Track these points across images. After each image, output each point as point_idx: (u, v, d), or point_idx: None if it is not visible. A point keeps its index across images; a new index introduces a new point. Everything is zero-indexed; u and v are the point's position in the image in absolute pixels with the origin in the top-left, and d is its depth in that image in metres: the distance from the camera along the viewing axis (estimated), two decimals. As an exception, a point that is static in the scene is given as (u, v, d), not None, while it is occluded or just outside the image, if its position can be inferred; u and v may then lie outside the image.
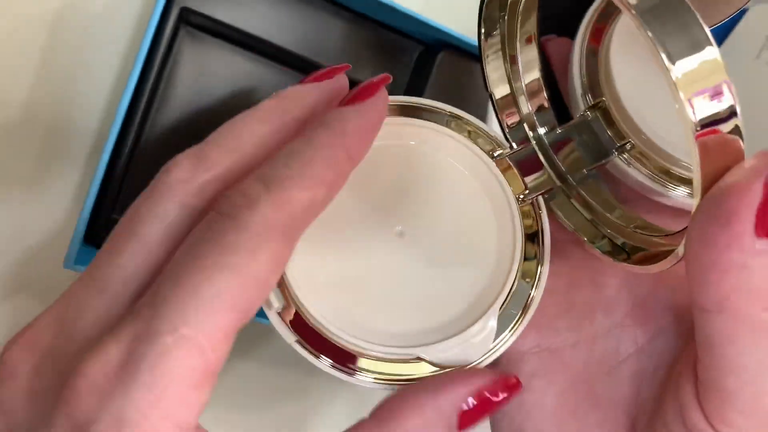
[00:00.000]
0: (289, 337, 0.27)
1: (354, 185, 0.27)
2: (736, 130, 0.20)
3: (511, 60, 0.30)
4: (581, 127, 0.30)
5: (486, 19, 0.29)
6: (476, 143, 0.29)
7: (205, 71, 0.34)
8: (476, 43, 0.39)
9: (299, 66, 0.36)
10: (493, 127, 0.32)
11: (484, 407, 0.25)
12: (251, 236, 0.20)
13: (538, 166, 0.30)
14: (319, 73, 0.26)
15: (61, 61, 0.36)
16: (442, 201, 0.29)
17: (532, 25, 0.29)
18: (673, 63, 0.19)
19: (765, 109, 0.32)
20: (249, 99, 0.35)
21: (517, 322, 0.28)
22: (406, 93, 0.39)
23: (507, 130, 0.31)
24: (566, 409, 0.29)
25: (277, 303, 0.26)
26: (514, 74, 0.30)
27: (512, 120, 0.31)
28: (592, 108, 0.30)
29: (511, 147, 0.30)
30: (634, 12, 0.19)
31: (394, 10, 0.36)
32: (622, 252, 0.28)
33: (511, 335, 0.28)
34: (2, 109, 0.35)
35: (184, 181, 0.22)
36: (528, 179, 0.30)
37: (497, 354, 0.28)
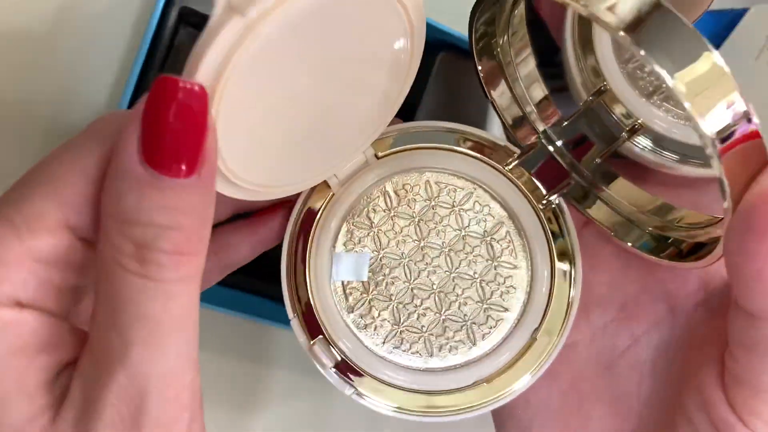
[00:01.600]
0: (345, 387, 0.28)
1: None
2: (755, 135, 0.19)
3: (504, 61, 0.30)
4: (587, 116, 0.30)
5: (477, 19, 0.29)
6: (478, 151, 0.30)
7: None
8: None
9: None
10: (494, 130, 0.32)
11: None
12: None
13: (552, 165, 0.30)
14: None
15: (61, 61, 0.36)
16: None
17: (522, 23, 0.29)
18: (673, 77, 0.18)
19: (765, 110, 0.32)
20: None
21: (562, 326, 0.28)
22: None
23: (512, 132, 0.31)
24: (571, 407, 0.29)
25: (329, 362, 0.28)
26: (509, 74, 0.30)
27: (516, 119, 0.31)
28: (594, 94, 0.30)
29: (520, 149, 0.30)
30: (621, 33, 0.19)
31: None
32: (668, 248, 0.28)
33: (560, 339, 0.28)
34: (2, 109, 0.35)
35: None
36: (544, 180, 0.29)
37: None
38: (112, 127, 0.21)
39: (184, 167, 0.19)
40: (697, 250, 0.26)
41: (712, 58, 0.19)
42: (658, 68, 0.18)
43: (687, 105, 0.18)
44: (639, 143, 0.30)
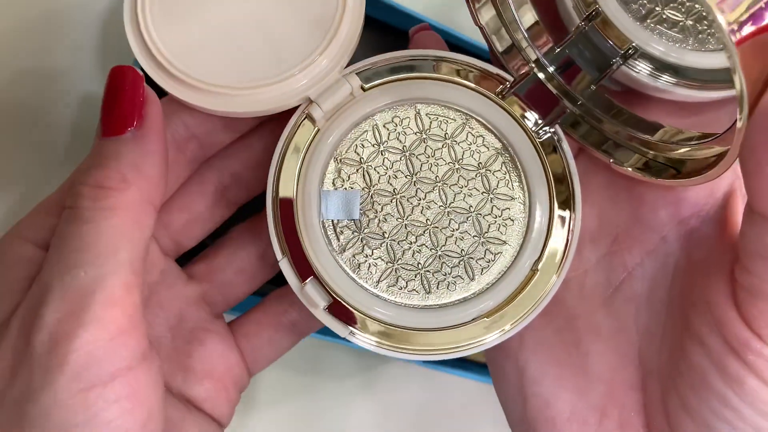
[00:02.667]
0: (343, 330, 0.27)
1: None
2: None
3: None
4: (580, 41, 0.29)
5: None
6: (470, 80, 0.28)
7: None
8: (476, 43, 0.39)
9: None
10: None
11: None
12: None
13: (546, 93, 0.28)
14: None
15: (61, 61, 0.36)
16: None
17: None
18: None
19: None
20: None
21: (564, 256, 0.27)
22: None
23: (504, 60, 0.29)
24: (567, 344, 0.28)
25: (322, 302, 0.26)
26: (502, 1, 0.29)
27: (506, 47, 0.29)
28: (587, 19, 0.29)
29: (513, 78, 0.28)
30: None
31: (394, 10, 0.36)
32: (668, 169, 0.26)
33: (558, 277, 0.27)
34: (2, 109, 0.35)
35: None
36: (538, 109, 0.28)
37: None
38: None
39: (127, 131, 0.24)
40: (697, 168, 0.25)
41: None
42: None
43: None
44: (634, 68, 0.29)
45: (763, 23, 0.18)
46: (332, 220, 0.27)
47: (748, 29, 0.18)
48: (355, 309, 0.26)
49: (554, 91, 0.29)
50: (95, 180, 0.23)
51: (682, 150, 0.26)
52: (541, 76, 0.29)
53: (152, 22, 0.26)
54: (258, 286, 0.30)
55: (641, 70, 0.29)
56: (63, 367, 0.21)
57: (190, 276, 0.30)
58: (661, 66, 0.29)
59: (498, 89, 0.28)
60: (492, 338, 0.26)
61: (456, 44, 0.38)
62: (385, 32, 0.39)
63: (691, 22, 0.28)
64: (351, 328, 0.26)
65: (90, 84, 0.36)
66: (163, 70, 0.26)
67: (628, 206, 0.28)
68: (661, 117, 0.28)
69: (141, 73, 0.25)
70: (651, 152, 0.27)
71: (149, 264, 0.28)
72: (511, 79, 0.28)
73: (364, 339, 0.26)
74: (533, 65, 0.29)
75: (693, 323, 0.25)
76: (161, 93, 0.26)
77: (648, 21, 0.29)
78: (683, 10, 0.28)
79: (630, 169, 0.27)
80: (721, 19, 0.18)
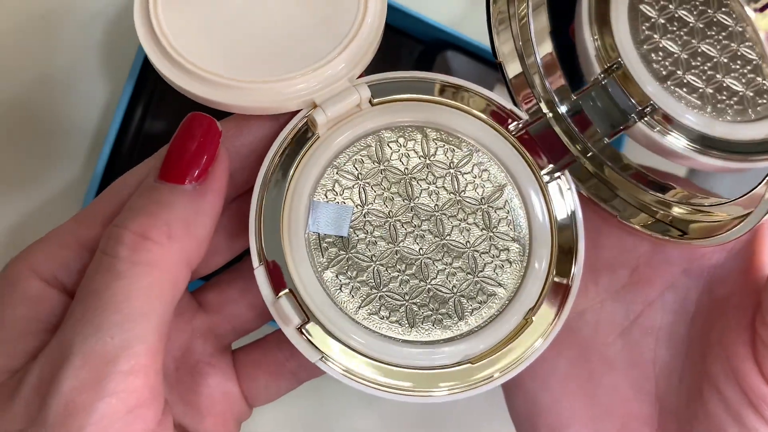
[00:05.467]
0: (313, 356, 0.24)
1: None
2: None
3: (520, 26, 0.28)
4: (597, 93, 0.28)
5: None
6: (484, 113, 0.27)
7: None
8: (476, 43, 0.38)
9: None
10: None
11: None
12: None
13: (558, 139, 0.27)
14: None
15: (61, 61, 0.36)
16: None
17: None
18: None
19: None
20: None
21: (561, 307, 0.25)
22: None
23: (519, 104, 0.28)
24: (581, 376, 0.27)
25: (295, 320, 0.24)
26: (524, 43, 0.28)
27: (525, 93, 0.28)
28: (607, 71, 0.28)
29: (528, 116, 0.27)
30: None
31: (394, 10, 0.36)
32: (673, 229, 0.25)
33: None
34: (2, 109, 0.35)
35: None
36: (548, 153, 0.27)
37: None
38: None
39: (186, 180, 0.22)
40: (706, 229, 0.24)
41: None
42: None
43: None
44: (649, 127, 0.28)
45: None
46: (319, 234, 0.25)
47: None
48: (329, 333, 0.24)
49: (567, 137, 0.28)
50: (140, 227, 0.21)
51: (691, 212, 0.25)
52: (555, 121, 0.28)
53: (162, 8, 0.25)
54: (269, 320, 0.28)
55: (656, 131, 0.28)
56: None
57: (201, 303, 0.27)
58: (677, 128, 0.28)
59: (511, 126, 0.27)
60: (476, 387, 0.24)
61: (452, 42, 0.38)
62: (398, 38, 0.39)
63: (711, 91, 0.28)
64: (323, 353, 0.24)
65: (90, 84, 0.36)
66: (161, 48, 0.25)
67: (648, 237, 0.27)
68: (674, 180, 0.27)
69: (220, 129, 0.23)
70: (660, 211, 0.26)
71: None
72: (525, 117, 0.27)
73: (334, 366, 0.24)
74: (547, 111, 0.28)
75: (711, 367, 0.24)
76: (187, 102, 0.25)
77: (668, 82, 0.28)
78: (704, 78, 0.28)
79: (638, 226, 0.26)
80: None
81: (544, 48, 0.28)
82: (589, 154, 0.28)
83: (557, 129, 0.28)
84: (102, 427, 0.19)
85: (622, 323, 0.27)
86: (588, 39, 0.29)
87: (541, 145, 0.27)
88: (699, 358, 0.25)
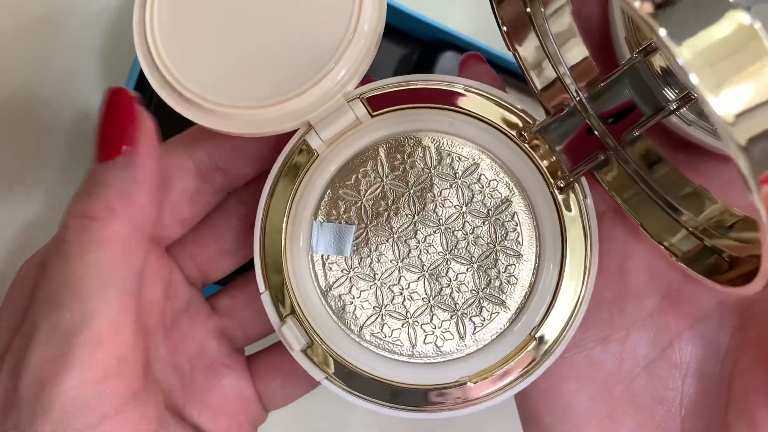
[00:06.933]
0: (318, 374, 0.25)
1: None
2: None
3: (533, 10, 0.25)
4: (628, 78, 0.25)
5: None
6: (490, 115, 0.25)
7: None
8: (476, 43, 0.36)
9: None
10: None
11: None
12: None
13: (579, 135, 0.25)
14: None
15: (61, 61, 0.35)
16: None
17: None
18: (679, 43, 0.13)
19: None
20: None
21: (565, 328, 0.25)
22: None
23: (539, 95, 0.26)
24: (601, 413, 0.25)
25: (299, 344, 0.25)
26: (539, 26, 0.25)
27: (545, 83, 0.26)
28: (641, 52, 0.24)
29: (547, 113, 0.25)
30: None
31: (394, 10, 0.34)
32: (709, 257, 0.23)
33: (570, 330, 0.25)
34: (2, 109, 0.35)
35: None
36: (566, 153, 0.25)
37: None
38: None
39: (116, 154, 0.23)
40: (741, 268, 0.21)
41: (739, 18, 0.14)
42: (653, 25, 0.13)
43: (693, 78, 0.14)
44: (689, 117, 0.25)
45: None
46: (321, 255, 0.25)
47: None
48: (332, 354, 0.25)
49: (589, 131, 0.25)
50: (80, 210, 0.23)
51: (721, 236, 0.22)
52: (575, 114, 0.25)
53: (159, 33, 0.25)
54: None
55: (697, 122, 0.25)
56: (48, 414, 0.21)
57: (214, 307, 0.29)
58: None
59: (521, 126, 0.25)
60: (474, 405, 0.24)
61: (452, 42, 0.37)
62: (398, 39, 0.38)
63: None
64: (327, 373, 0.25)
65: (90, 85, 0.36)
66: (164, 81, 0.25)
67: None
68: (713, 185, 0.24)
69: (134, 93, 0.24)
70: (685, 228, 0.23)
71: (173, 292, 0.27)
72: (536, 119, 0.25)
73: (339, 384, 0.25)
74: (576, 99, 0.25)
75: (733, 422, 0.22)
76: (183, 121, 0.25)
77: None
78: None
79: (665, 244, 0.24)
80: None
81: (570, 39, 0.25)
82: (616, 151, 0.25)
83: (577, 124, 0.25)
84: (71, 397, 0.20)
85: (648, 355, 0.25)
86: (618, 18, 0.25)
87: (562, 144, 0.25)
88: (724, 407, 0.23)
